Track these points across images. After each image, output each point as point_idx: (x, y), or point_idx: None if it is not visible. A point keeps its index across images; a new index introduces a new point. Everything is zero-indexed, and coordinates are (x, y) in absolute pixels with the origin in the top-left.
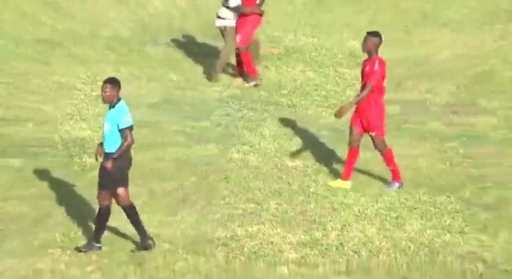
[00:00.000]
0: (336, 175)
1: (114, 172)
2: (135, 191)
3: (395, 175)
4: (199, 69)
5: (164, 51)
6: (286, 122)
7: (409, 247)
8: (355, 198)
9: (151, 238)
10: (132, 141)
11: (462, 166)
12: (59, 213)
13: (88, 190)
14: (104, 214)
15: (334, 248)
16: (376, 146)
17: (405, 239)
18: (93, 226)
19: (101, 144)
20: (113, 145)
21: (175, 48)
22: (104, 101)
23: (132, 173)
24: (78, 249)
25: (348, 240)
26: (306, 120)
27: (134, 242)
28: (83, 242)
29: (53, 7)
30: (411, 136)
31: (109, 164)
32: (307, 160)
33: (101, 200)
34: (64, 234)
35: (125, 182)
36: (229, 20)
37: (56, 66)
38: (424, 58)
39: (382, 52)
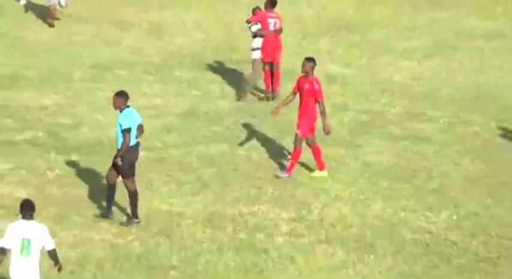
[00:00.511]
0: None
1: (123, 165)
2: (165, 180)
3: (291, 167)
4: (213, 87)
5: (187, 73)
6: (279, 127)
7: (374, 222)
8: (332, 185)
9: (137, 218)
10: (129, 141)
11: (413, 160)
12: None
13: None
14: (110, 193)
15: (316, 223)
16: (294, 141)
17: (371, 216)
18: (130, 207)
19: None
20: (119, 143)
21: (196, 71)
22: (114, 108)
23: (163, 166)
24: (121, 224)
25: (327, 216)
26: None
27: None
28: (124, 218)
29: (103, 39)
30: (376, 137)
31: (118, 160)
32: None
33: (110, 178)
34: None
35: (132, 172)
36: (258, 51)
37: (105, 85)
38: (386, 79)
39: (358, 74)
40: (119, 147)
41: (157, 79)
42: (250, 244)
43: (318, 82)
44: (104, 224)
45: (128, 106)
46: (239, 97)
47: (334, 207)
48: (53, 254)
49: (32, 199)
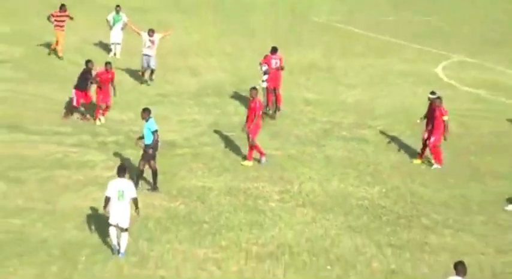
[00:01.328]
0: (296, 159)
1: (150, 153)
2: (200, 166)
3: (261, 154)
4: (230, 108)
5: (212, 99)
6: (270, 133)
7: (333, 194)
8: (307, 170)
9: (157, 188)
10: (157, 138)
11: (358, 155)
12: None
13: (174, 167)
14: (140, 174)
15: (296, 194)
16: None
17: (331, 190)
18: (153, 181)
19: (140, 138)
20: (148, 140)
21: (218, 97)
22: (142, 118)
23: (198, 158)
24: (151, 189)
25: (303, 190)
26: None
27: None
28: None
29: (161, 78)
30: (334, 139)
31: (149, 150)
32: (285, 150)
33: (141, 166)
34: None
35: (154, 158)
36: (265, 82)
37: (163, 107)
38: (341, 101)
39: (324, 98)
40: (148, 143)
41: (194, 103)
42: (254, 207)
43: (260, 102)
44: (160, 194)
45: (151, 117)
46: (272, 117)
47: (308, 184)
48: (135, 201)
49: (125, 165)
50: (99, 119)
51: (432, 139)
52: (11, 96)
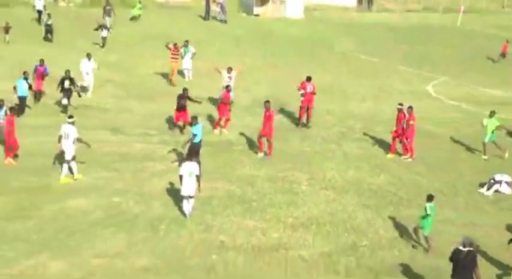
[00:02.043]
0: (321, 155)
1: (197, 150)
2: (248, 161)
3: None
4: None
5: (260, 110)
6: (305, 134)
7: (351, 180)
8: (330, 163)
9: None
10: (193, 140)
11: (368, 151)
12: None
13: (232, 160)
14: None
15: (321, 180)
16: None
17: (349, 177)
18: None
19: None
20: (196, 139)
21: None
22: (190, 125)
23: (245, 154)
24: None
25: (327, 177)
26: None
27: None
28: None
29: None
30: (349, 140)
31: (196, 148)
32: (312, 148)
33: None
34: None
35: (198, 152)
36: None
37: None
38: (353, 112)
39: (341, 110)
40: (194, 141)
41: (247, 113)
42: (289, 190)
43: (273, 112)
44: (221, 180)
45: (198, 123)
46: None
47: (330, 173)
48: (198, 178)
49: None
50: (220, 130)
51: (408, 139)
52: (113, 107)
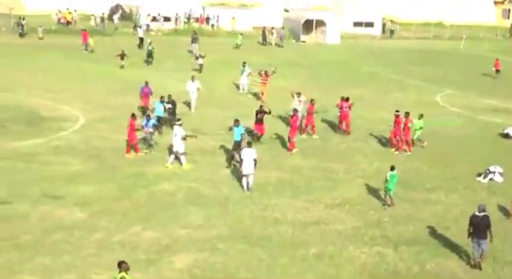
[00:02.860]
0: (354, 150)
1: (239, 145)
2: (296, 154)
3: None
4: (318, 123)
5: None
6: (343, 136)
7: (376, 170)
8: (361, 156)
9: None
10: (235, 138)
11: (389, 147)
12: None
13: (284, 154)
14: (232, 157)
15: (354, 170)
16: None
17: (375, 168)
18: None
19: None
20: (236, 138)
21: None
22: (233, 126)
23: (283, 151)
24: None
25: (359, 168)
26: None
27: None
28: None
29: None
30: (375, 139)
31: (237, 143)
32: (347, 145)
33: (232, 152)
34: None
35: (240, 147)
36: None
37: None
38: (382, 118)
39: (371, 116)
40: (236, 139)
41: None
42: (329, 177)
43: (297, 117)
44: (274, 170)
45: (239, 125)
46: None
47: (361, 164)
48: (255, 161)
49: (251, 141)
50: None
51: (408, 139)
52: (195, 113)
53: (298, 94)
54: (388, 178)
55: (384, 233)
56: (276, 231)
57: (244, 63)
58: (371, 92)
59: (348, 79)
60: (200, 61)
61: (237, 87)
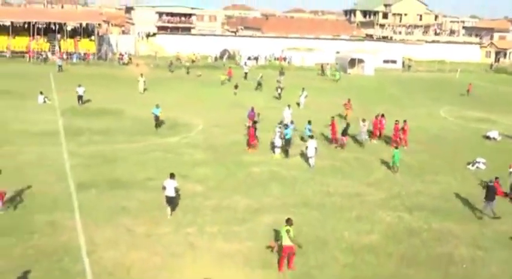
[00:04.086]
0: (387, 144)
1: (289, 142)
2: (352, 147)
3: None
4: (354, 127)
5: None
6: (379, 138)
7: (402, 162)
8: (391, 150)
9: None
10: (286, 136)
11: (383, 143)
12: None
13: (336, 151)
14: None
15: (386, 160)
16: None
17: (401, 159)
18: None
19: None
20: (287, 137)
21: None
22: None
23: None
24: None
25: (389, 159)
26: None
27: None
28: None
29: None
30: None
31: (288, 140)
32: (380, 141)
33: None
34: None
35: (290, 143)
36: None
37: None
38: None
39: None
40: (287, 138)
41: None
42: (367, 165)
43: (335, 124)
44: (330, 160)
45: (288, 127)
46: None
47: (386, 154)
48: (316, 149)
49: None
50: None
51: (405, 138)
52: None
53: (363, 120)
54: (393, 155)
55: (403, 202)
56: (329, 200)
57: (303, 88)
58: (393, 108)
59: (377, 98)
60: (279, 91)
61: (298, 104)
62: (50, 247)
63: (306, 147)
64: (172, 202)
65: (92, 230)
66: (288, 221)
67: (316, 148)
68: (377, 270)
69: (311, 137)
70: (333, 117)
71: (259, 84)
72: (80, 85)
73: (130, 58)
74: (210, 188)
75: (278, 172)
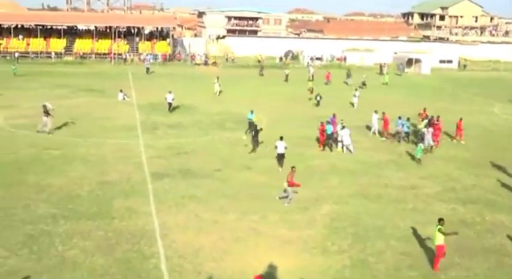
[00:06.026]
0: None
1: (330, 137)
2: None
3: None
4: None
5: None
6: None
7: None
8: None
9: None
10: (325, 132)
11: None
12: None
13: (381, 146)
14: (330, 143)
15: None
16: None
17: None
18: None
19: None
20: (328, 132)
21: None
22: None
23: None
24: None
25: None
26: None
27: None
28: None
29: None
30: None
31: (330, 136)
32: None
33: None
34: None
35: (331, 138)
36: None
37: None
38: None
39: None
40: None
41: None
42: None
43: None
44: (389, 154)
45: (329, 124)
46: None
47: (439, 152)
48: (333, 138)
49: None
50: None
51: (461, 133)
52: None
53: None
54: (416, 148)
55: (457, 195)
56: (385, 192)
57: (356, 89)
58: (449, 105)
59: (433, 96)
60: (357, 93)
61: (352, 104)
62: (127, 231)
63: (341, 137)
64: (282, 157)
65: (164, 215)
66: (441, 221)
67: (350, 135)
68: (432, 259)
69: (343, 127)
70: (384, 112)
71: (287, 76)
72: (170, 92)
73: (208, 58)
74: (271, 179)
75: (336, 164)
